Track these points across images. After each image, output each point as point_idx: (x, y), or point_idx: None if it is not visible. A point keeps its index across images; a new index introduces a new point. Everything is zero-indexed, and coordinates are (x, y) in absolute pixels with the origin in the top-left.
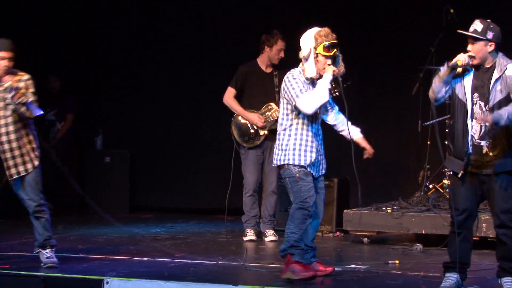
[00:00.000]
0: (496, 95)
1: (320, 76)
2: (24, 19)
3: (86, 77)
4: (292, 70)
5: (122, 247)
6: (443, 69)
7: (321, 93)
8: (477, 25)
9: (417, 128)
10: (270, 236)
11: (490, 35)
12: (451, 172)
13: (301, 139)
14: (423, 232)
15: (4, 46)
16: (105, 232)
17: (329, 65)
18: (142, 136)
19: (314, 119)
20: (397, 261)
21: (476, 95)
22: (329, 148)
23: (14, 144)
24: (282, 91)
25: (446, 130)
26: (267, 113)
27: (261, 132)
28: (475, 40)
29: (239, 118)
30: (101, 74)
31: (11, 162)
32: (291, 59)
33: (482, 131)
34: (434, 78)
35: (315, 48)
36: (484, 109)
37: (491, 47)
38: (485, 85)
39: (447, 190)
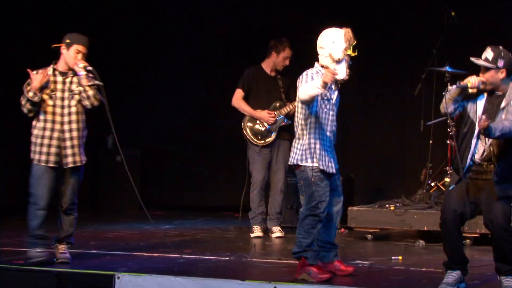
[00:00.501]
0: (502, 112)
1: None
2: (25, 19)
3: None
4: (308, 70)
5: (133, 244)
6: (453, 89)
7: (313, 87)
8: (489, 53)
9: (420, 127)
10: (277, 232)
11: (501, 63)
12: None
13: (315, 138)
14: (425, 228)
15: (84, 41)
16: (116, 228)
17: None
18: (152, 135)
19: (329, 116)
20: (400, 257)
21: (483, 117)
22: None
23: (74, 134)
24: (298, 91)
25: (448, 129)
26: (275, 111)
27: (273, 128)
28: (487, 68)
29: (249, 119)
30: (113, 74)
31: (69, 151)
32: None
33: (485, 153)
34: (445, 94)
35: (346, 51)
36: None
37: (502, 74)
38: (493, 111)
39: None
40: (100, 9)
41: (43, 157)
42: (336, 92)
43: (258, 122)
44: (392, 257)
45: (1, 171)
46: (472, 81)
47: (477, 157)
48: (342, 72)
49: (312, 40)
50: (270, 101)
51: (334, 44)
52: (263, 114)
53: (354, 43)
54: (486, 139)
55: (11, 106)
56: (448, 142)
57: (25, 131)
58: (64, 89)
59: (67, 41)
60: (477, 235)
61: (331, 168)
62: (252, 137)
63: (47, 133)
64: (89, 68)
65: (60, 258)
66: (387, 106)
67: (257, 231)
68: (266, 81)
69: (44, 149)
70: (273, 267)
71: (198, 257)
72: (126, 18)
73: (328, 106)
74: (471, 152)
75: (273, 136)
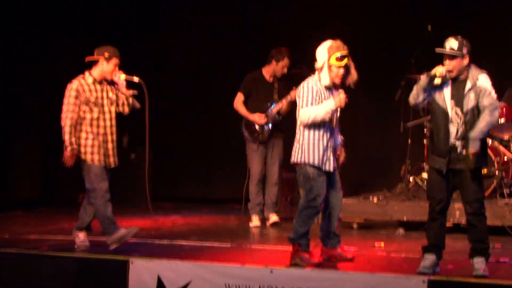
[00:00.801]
0: (469, 102)
1: (334, 84)
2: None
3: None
4: (309, 78)
5: (144, 232)
6: (423, 78)
7: (318, 115)
8: (453, 43)
9: (400, 128)
10: (273, 217)
11: (465, 50)
12: (428, 167)
13: (313, 138)
14: (405, 218)
15: (119, 55)
16: (129, 218)
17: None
18: (163, 134)
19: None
20: (382, 244)
21: (453, 102)
22: None
23: (114, 137)
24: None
25: (425, 130)
26: (269, 110)
27: (266, 128)
28: (453, 57)
29: (247, 120)
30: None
31: (111, 152)
32: None
33: (459, 132)
34: (414, 86)
35: (328, 60)
36: (460, 114)
37: (466, 60)
38: (461, 94)
39: (425, 182)
40: (103, 9)
41: (100, 157)
42: (336, 95)
43: (254, 123)
44: (375, 244)
45: (26, 165)
46: (440, 70)
47: (452, 138)
48: (325, 79)
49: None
50: (266, 104)
51: (318, 54)
52: (255, 117)
53: (340, 54)
54: (459, 120)
55: (33, 103)
56: (424, 141)
57: (48, 127)
58: (103, 96)
59: (106, 55)
60: (450, 224)
61: (328, 166)
62: (249, 137)
63: (96, 141)
64: (134, 79)
65: (81, 247)
66: (372, 109)
67: (255, 221)
68: (265, 86)
69: (96, 150)
70: (270, 253)
71: (203, 244)
72: (131, 19)
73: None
74: (451, 135)
75: (267, 134)
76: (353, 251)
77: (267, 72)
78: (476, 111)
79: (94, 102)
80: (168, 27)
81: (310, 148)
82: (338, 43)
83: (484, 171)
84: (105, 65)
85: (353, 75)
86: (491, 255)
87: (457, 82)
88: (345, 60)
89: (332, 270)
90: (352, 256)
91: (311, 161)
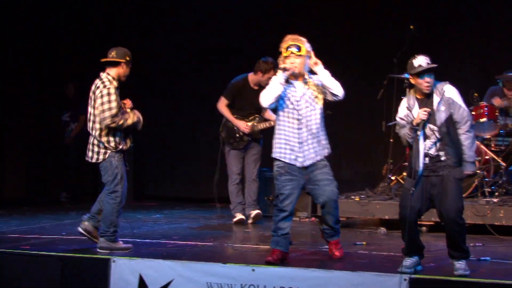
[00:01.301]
0: (441, 115)
1: (294, 75)
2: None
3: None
4: None
5: (127, 231)
6: (408, 131)
7: (270, 88)
8: (424, 59)
9: (382, 128)
10: (254, 212)
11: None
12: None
13: (280, 134)
14: (386, 217)
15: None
16: None
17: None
18: (147, 132)
19: (293, 114)
20: (364, 243)
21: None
22: None
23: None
24: None
25: None
26: (254, 123)
27: (245, 138)
28: (432, 72)
29: (229, 123)
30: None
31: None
32: None
33: (438, 145)
34: (403, 132)
35: (281, 53)
36: (434, 128)
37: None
38: (430, 109)
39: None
40: (101, 9)
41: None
42: (303, 90)
43: (235, 127)
44: (357, 243)
45: (11, 165)
46: (422, 117)
47: (432, 151)
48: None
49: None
50: (251, 111)
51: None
52: (241, 123)
53: (286, 45)
54: (435, 133)
55: (18, 103)
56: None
57: (32, 128)
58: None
59: (127, 58)
60: (432, 223)
61: (298, 162)
62: (225, 139)
63: (117, 138)
64: None
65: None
66: (354, 109)
67: (239, 216)
68: (249, 94)
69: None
70: (252, 252)
71: (185, 242)
72: (135, 22)
73: (288, 105)
74: (421, 154)
75: (244, 144)
76: (342, 252)
77: (253, 80)
78: (450, 122)
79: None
80: (155, 27)
81: (276, 142)
82: (287, 37)
83: None
84: (125, 69)
85: (312, 61)
86: (472, 253)
87: (423, 99)
88: (290, 51)
89: (314, 268)
90: (339, 256)
91: (276, 156)
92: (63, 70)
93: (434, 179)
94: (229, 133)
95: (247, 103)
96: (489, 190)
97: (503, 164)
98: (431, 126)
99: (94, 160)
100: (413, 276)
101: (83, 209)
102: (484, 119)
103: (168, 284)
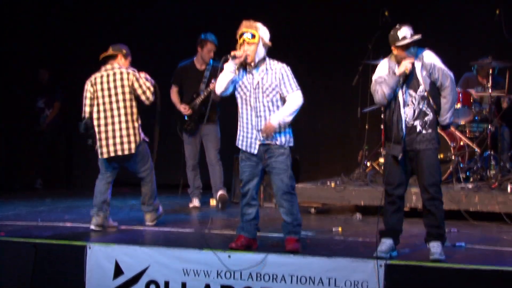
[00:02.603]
0: (426, 80)
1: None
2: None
3: (75, 69)
4: None
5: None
6: (394, 79)
7: (221, 76)
8: (407, 31)
9: (357, 114)
10: (219, 193)
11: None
12: (385, 152)
13: (239, 120)
14: (362, 203)
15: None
16: (88, 204)
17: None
18: None
19: (248, 100)
20: (340, 228)
21: (404, 85)
22: None
23: None
24: None
25: (382, 115)
26: (194, 101)
27: (194, 119)
28: (415, 44)
29: (178, 110)
30: (89, 66)
31: None
32: None
33: (416, 113)
34: (380, 86)
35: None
36: (414, 95)
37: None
38: (413, 75)
39: (382, 167)
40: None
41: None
42: (259, 77)
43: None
44: (333, 229)
45: None
46: (408, 66)
47: (409, 120)
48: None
49: None
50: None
51: None
52: (181, 106)
53: (240, 32)
54: (414, 101)
55: None
56: (381, 126)
57: (5, 114)
58: None
59: (124, 51)
60: (407, 209)
61: (251, 148)
62: (179, 126)
63: None
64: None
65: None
66: (329, 95)
67: (194, 203)
68: (194, 75)
69: None
70: (228, 238)
71: (160, 229)
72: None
73: (246, 92)
74: (403, 120)
75: (193, 124)
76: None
77: (198, 61)
78: (431, 87)
79: None
80: (144, 24)
81: (238, 131)
82: (245, 22)
83: (441, 156)
84: (124, 61)
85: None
86: (447, 239)
87: None
88: (242, 38)
89: (289, 255)
90: (291, 249)
91: (237, 143)
92: (35, 55)
93: (411, 154)
94: (179, 119)
95: (192, 86)
96: (463, 176)
97: (478, 150)
98: (411, 92)
99: (133, 151)
100: (388, 262)
101: (58, 195)
102: (459, 105)
103: (144, 270)
